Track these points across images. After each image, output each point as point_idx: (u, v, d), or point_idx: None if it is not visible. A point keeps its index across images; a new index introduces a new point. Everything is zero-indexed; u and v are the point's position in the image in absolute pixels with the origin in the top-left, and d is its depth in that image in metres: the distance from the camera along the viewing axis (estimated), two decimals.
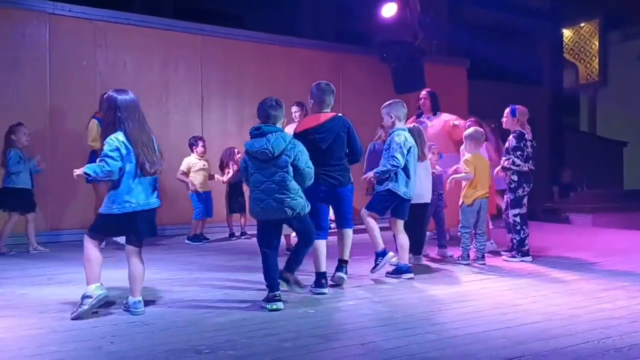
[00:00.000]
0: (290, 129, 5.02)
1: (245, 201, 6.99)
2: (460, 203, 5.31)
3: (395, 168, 4.45)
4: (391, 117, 4.65)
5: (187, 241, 6.94)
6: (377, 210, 4.56)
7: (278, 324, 3.28)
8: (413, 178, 4.58)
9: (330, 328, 3.25)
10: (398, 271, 4.55)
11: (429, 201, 5.13)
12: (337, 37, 9.52)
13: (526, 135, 5.34)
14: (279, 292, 3.63)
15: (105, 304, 3.47)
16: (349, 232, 4.35)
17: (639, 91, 15.85)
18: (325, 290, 4.01)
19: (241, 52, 8.40)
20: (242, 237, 7.29)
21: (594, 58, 20.57)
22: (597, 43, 20.11)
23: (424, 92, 6.80)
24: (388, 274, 4.57)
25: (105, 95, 3.63)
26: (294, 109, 7.01)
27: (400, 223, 4.61)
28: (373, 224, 4.55)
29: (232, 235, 7.30)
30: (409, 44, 8.13)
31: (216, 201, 7.27)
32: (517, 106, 5.48)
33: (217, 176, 7.21)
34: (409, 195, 4.56)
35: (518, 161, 5.29)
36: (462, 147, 5.61)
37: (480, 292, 4.11)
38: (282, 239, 4.20)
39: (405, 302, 3.80)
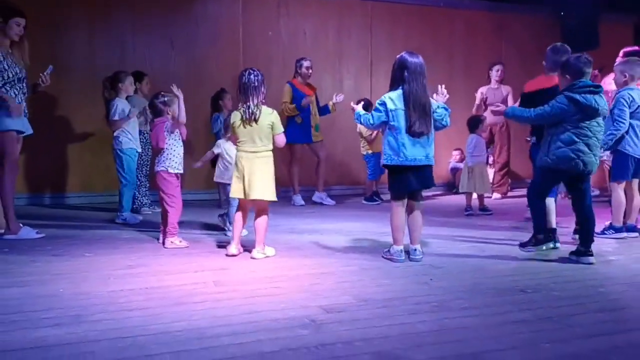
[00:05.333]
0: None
1: None
2: None
3: (618, 132, 4.42)
4: (625, 76, 4.53)
5: (364, 201, 7.30)
6: (623, 176, 4.57)
7: (569, 272, 3.51)
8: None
9: (621, 278, 3.38)
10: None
11: None
12: None
13: None
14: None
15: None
16: None
17: None
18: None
19: (407, 16, 8.48)
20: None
21: None
22: None
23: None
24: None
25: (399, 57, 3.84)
26: (497, 67, 7.40)
27: (635, 183, 4.62)
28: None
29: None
30: (589, 0, 7.80)
31: None
32: None
33: None
34: (638, 153, 4.53)
35: None
36: None
37: None
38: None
39: None
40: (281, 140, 3.99)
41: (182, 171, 4.45)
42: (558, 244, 4.16)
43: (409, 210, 3.85)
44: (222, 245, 4.34)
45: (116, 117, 5.46)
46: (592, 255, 3.76)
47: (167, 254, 4.08)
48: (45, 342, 2.33)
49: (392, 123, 3.72)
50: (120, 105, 5.48)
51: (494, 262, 3.81)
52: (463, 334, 2.43)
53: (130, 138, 5.52)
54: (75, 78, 6.84)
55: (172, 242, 4.30)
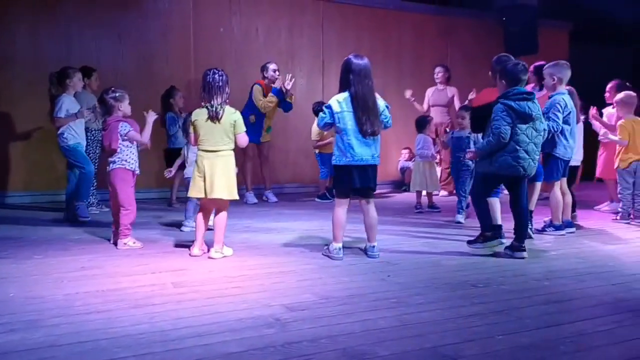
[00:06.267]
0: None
1: None
2: (616, 167, 5.52)
3: (553, 130, 4.66)
4: (553, 79, 4.68)
5: (317, 200, 7.38)
6: (554, 177, 4.79)
7: (515, 267, 3.68)
8: (572, 141, 4.78)
9: (563, 272, 3.57)
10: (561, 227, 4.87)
11: (579, 164, 5.39)
12: (449, 0, 9.56)
13: None
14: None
15: None
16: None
17: None
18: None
19: (358, 17, 8.62)
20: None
21: None
22: None
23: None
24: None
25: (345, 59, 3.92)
26: (438, 69, 7.49)
27: (564, 182, 4.92)
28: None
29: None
30: (530, 7, 8.19)
31: None
32: None
33: None
34: (568, 156, 4.79)
35: None
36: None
37: None
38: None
39: (606, 254, 4.14)
40: (243, 139, 4.00)
41: (138, 171, 4.36)
42: (504, 240, 4.36)
43: (363, 210, 3.95)
44: (179, 245, 4.29)
45: (61, 115, 5.25)
46: (525, 250, 3.98)
47: (121, 255, 3.99)
48: (1, 349, 2.25)
49: (338, 125, 3.81)
50: (67, 102, 5.28)
51: (445, 258, 3.96)
52: (422, 328, 2.53)
53: (74, 134, 5.34)
54: (17, 72, 6.54)
55: (125, 243, 4.21)
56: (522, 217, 4.06)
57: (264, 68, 6.88)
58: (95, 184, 5.99)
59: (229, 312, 2.72)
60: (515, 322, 2.63)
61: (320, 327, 2.53)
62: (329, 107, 3.84)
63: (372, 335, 2.43)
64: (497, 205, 4.42)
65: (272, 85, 6.83)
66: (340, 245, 3.90)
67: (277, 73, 6.85)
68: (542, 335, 2.45)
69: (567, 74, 4.72)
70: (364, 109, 3.75)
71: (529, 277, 3.47)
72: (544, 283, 3.33)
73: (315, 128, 7.07)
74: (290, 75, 6.89)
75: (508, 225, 4.29)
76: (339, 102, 3.81)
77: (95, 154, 5.85)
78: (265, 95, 6.78)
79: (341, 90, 3.87)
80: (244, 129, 3.98)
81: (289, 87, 6.82)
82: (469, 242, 4.23)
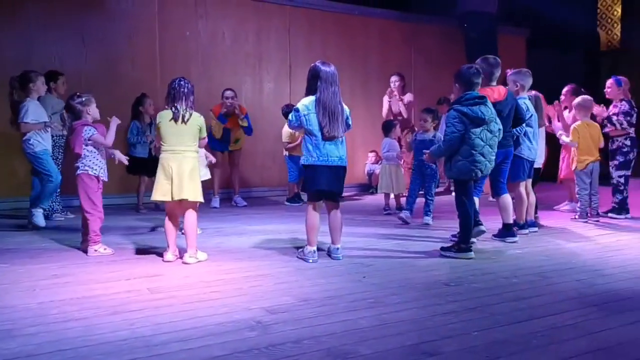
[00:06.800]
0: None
1: None
2: (573, 168, 5.78)
3: (517, 133, 4.85)
4: (517, 86, 4.92)
5: (286, 203, 7.41)
6: (520, 177, 4.97)
7: (485, 266, 3.80)
8: (535, 143, 5.00)
9: (530, 269, 3.71)
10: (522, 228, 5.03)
11: (540, 166, 5.61)
12: (412, 6, 9.75)
13: (633, 104, 5.79)
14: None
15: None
16: None
17: None
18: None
19: (324, 22, 8.70)
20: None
21: (615, 25, 20.72)
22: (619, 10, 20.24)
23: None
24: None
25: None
26: (394, 78, 7.46)
27: (529, 182, 5.10)
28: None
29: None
30: (489, 14, 8.45)
31: None
32: (620, 77, 5.91)
33: None
34: (532, 157, 5.01)
35: (626, 125, 5.76)
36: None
37: (623, 244, 4.61)
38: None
39: (569, 251, 4.32)
40: (203, 143, 4.12)
41: (105, 177, 4.28)
42: (474, 240, 4.48)
43: (329, 212, 4.02)
44: (150, 251, 4.24)
45: (27, 120, 5.10)
46: (472, 250, 4.11)
47: (92, 262, 3.92)
48: None
49: (307, 127, 3.89)
50: (32, 107, 5.14)
51: (417, 259, 4.06)
52: (401, 327, 2.60)
53: (40, 140, 5.19)
54: None
55: (95, 250, 4.13)
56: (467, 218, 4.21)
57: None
58: (59, 190, 5.84)
59: (209, 317, 2.72)
60: (488, 318, 2.73)
61: (302, 328, 2.57)
62: (297, 109, 3.92)
63: (354, 335, 2.48)
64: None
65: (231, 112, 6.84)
66: (315, 248, 3.95)
67: (228, 100, 6.80)
68: (514, 331, 2.56)
69: (529, 81, 5.00)
70: (324, 113, 3.84)
71: (498, 275, 3.59)
72: (513, 280, 3.46)
73: (286, 130, 7.10)
74: (230, 101, 6.81)
75: (493, 225, 4.44)
76: (306, 105, 3.89)
77: (58, 160, 5.71)
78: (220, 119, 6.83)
79: (307, 94, 3.96)
80: (205, 134, 4.08)
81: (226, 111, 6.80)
82: (442, 249, 4.24)
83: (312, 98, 3.89)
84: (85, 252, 4.14)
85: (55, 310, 2.81)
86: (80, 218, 4.32)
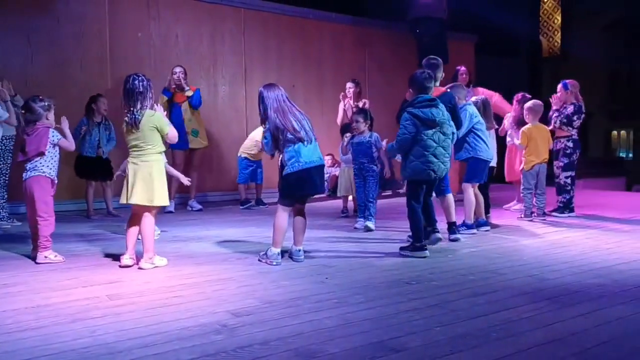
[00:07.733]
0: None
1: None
2: (520, 169, 6.04)
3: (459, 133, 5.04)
4: (458, 98, 5.10)
5: (241, 207, 7.32)
6: (477, 179, 5.18)
7: (442, 264, 3.91)
8: (488, 144, 5.23)
9: (485, 267, 3.85)
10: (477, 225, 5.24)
11: (495, 164, 5.86)
12: (366, 11, 9.91)
13: (582, 108, 6.11)
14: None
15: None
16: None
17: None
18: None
19: (279, 26, 8.72)
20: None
21: (556, 32, 21.78)
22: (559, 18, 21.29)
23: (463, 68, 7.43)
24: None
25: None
26: (349, 85, 7.54)
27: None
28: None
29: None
30: (440, 20, 8.71)
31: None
32: (568, 80, 6.23)
33: None
34: (490, 157, 5.26)
35: (571, 128, 6.08)
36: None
37: (570, 240, 4.85)
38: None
39: (520, 248, 4.52)
40: (172, 135, 3.97)
41: (56, 180, 4.16)
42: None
43: (295, 214, 4.04)
44: (106, 257, 4.14)
45: None
46: (426, 249, 4.24)
47: (45, 269, 3.78)
48: None
49: (282, 143, 3.91)
50: None
51: (377, 259, 4.14)
52: (366, 325, 2.65)
53: None
54: None
55: (46, 256, 3.99)
56: (426, 217, 4.39)
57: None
58: (6, 196, 5.60)
59: (173, 322, 2.68)
60: (449, 314, 2.82)
61: (268, 330, 2.58)
62: (265, 137, 4.02)
63: (321, 335, 2.51)
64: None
65: (179, 88, 6.85)
66: (279, 250, 3.95)
67: (175, 75, 6.82)
68: (474, 325, 2.66)
69: (463, 92, 5.36)
70: (287, 132, 3.88)
71: (455, 272, 3.71)
72: (470, 277, 3.58)
73: (255, 136, 7.10)
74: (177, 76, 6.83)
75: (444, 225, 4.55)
76: (266, 134, 4.01)
77: (6, 165, 5.47)
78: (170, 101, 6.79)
79: (264, 123, 4.01)
80: (168, 127, 3.92)
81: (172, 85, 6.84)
82: (401, 248, 4.35)
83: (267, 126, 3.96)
84: (35, 259, 3.99)
85: (9, 320, 2.70)
86: (28, 225, 4.17)
